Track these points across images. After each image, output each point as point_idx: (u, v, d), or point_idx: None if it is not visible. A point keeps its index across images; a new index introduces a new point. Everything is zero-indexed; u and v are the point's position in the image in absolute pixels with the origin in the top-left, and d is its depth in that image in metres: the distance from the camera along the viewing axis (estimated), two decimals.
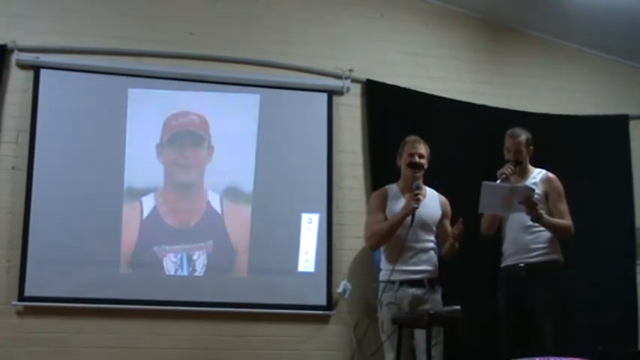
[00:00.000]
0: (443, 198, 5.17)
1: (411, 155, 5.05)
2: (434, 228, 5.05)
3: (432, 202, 5.09)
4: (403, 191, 5.09)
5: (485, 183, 4.74)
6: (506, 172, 4.87)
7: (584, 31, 7.19)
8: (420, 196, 4.91)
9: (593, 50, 7.43)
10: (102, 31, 6.34)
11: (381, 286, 5.05)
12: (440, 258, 5.06)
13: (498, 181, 4.83)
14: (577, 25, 7.10)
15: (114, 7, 6.42)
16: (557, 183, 4.95)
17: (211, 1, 6.62)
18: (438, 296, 4.96)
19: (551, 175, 4.96)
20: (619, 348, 6.34)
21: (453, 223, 4.99)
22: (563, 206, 4.89)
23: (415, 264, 4.93)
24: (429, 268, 4.95)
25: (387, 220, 4.99)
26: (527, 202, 4.67)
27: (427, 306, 4.86)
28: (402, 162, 5.12)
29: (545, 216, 4.76)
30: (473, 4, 7.13)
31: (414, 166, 5.02)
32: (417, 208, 4.84)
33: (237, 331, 6.17)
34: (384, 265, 5.10)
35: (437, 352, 4.77)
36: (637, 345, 6.72)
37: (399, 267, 4.91)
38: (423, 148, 5.08)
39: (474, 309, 5.26)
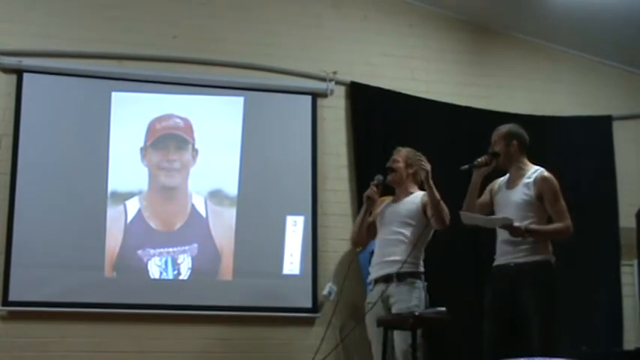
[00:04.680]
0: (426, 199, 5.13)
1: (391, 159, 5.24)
2: (411, 222, 5.03)
3: (412, 200, 5.10)
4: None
5: (461, 213, 4.76)
6: (479, 161, 4.86)
7: (567, 32, 7.22)
8: (374, 187, 5.12)
9: (576, 51, 7.47)
10: (85, 35, 6.32)
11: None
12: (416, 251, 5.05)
13: (466, 166, 4.82)
14: (561, 27, 7.13)
15: (97, 11, 6.40)
16: (553, 182, 4.81)
17: (194, 4, 6.61)
18: (405, 288, 4.91)
19: (546, 174, 4.81)
20: (603, 348, 6.37)
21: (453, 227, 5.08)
22: (559, 206, 4.77)
23: (385, 255, 4.99)
24: (397, 258, 4.94)
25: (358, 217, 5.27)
26: (507, 228, 4.65)
27: (392, 300, 4.87)
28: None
29: (533, 227, 4.71)
30: (457, 6, 7.15)
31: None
32: (369, 196, 5.11)
33: (222, 335, 6.16)
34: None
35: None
36: (622, 345, 6.74)
37: (374, 263, 5.06)
38: (397, 155, 5.22)
39: (460, 309, 5.29)
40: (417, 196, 5.11)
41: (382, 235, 5.10)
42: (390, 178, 5.16)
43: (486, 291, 4.95)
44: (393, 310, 4.88)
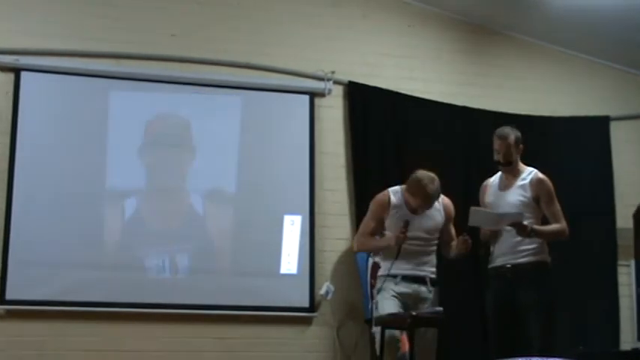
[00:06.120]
0: (446, 201, 5.14)
1: (419, 206, 4.97)
2: (436, 234, 5.09)
3: (435, 212, 5.07)
4: (408, 204, 5.01)
5: (473, 209, 4.75)
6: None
7: (565, 33, 7.21)
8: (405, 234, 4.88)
9: (574, 52, 7.46)
10: (83, 34, 6.30)
11: (381, 279, 5.03)
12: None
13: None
14: (559, 27, 7.12)
15: (95, 9, 6.38)
16: (548, 184, 4.85)
17: (192, 3, 6.60)
18: (437, 296, 5.02)
19: (541, 175, 4.87)
20: (600, 348, 6.37)
21: (455, 225, 5.13)
22: (555, 208, 4.82)
23: (417, 265, 4.99)
24: (431, 269, 5.05)
25: (374, 241, 5.12)
26: (516, 225, 4.66)
27: (427, 304, 4.90)
28: (409, 195, 5.00)
29: (536, 228, 4.73)
30: (456, 6, 7.14)
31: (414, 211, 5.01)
32: (402, 244, 4.89)
33: (219, 334, 6.16)
34: (383, 261, 5.11)
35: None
36: (618, 345, 6.74)
37: (399, 265, 4.96)
38: (428, 200, 4.96)
39: (457, 309, 5.30)
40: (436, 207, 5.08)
41: (409, 244, 4.97)
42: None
43: (486, 293, 4.97)
44: None
